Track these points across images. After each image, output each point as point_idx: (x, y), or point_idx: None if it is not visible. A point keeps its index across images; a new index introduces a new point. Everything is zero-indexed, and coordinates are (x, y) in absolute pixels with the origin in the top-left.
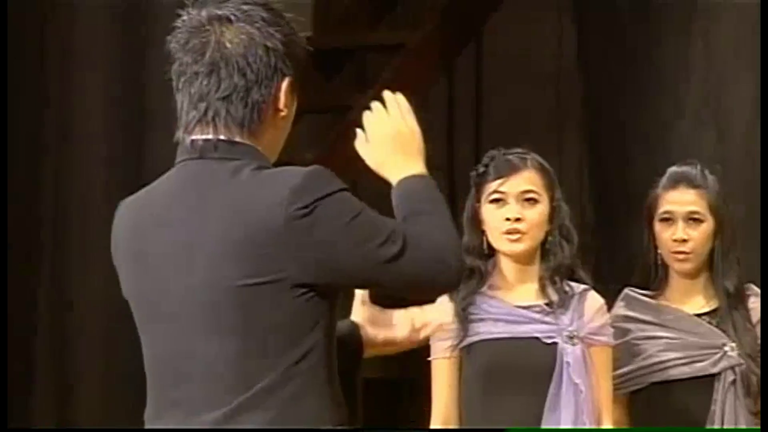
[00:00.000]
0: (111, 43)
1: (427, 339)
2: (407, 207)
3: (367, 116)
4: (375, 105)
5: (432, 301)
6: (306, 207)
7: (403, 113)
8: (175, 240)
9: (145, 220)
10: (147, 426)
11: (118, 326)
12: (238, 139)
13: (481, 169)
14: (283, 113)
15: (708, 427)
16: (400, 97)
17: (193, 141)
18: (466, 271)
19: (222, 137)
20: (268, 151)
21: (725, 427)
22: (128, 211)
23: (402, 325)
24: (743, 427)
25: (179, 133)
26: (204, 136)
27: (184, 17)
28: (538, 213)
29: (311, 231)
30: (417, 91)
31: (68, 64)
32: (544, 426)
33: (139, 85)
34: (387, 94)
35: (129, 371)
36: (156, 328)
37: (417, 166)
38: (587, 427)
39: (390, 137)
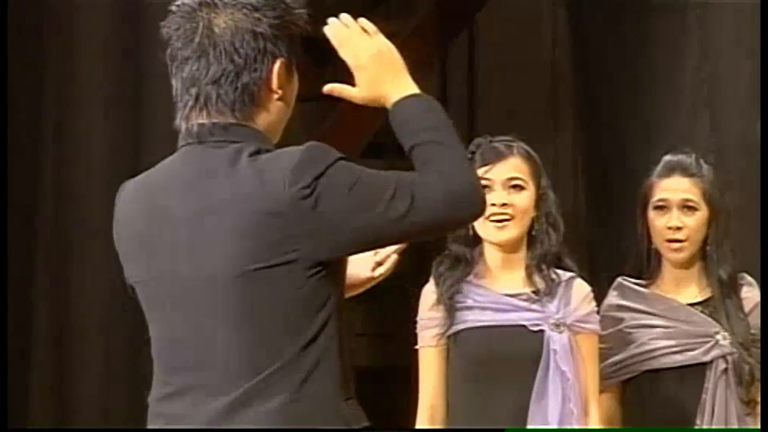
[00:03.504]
0: (110, 38)
1: (388, 273)
2: (410, 137)
3: (339, 43)
4: (335, 31)
5: None
6: (308, 186)
7: (369, 31)
8: (182, 227)
9: (150, 206)
10: (153, 408)
11: (117, 324)
12: (232, 121)
13: (468, 157)
14: (278, 94)
15: (698, 414)
16: (348, 19)
17: (189, 126)
18: (452, 259)
19: (216, 121)
20: (269, 133)
21: (715, 414)
22: (131, 196)
23: (363, 262)
24: (733, 414)
25: (177, 119)
26: (199, 121)
27: (178, 2)
28: (524, 199)
29: (317, 207)
30: None
31: (67, 60)
32: (531, 412)
33: (137, 80)
34: (342, 18)
35: (128, 370)
36: (164, 314)
37: (408, 85)
38: (574, 412)
39: (371, 59)
